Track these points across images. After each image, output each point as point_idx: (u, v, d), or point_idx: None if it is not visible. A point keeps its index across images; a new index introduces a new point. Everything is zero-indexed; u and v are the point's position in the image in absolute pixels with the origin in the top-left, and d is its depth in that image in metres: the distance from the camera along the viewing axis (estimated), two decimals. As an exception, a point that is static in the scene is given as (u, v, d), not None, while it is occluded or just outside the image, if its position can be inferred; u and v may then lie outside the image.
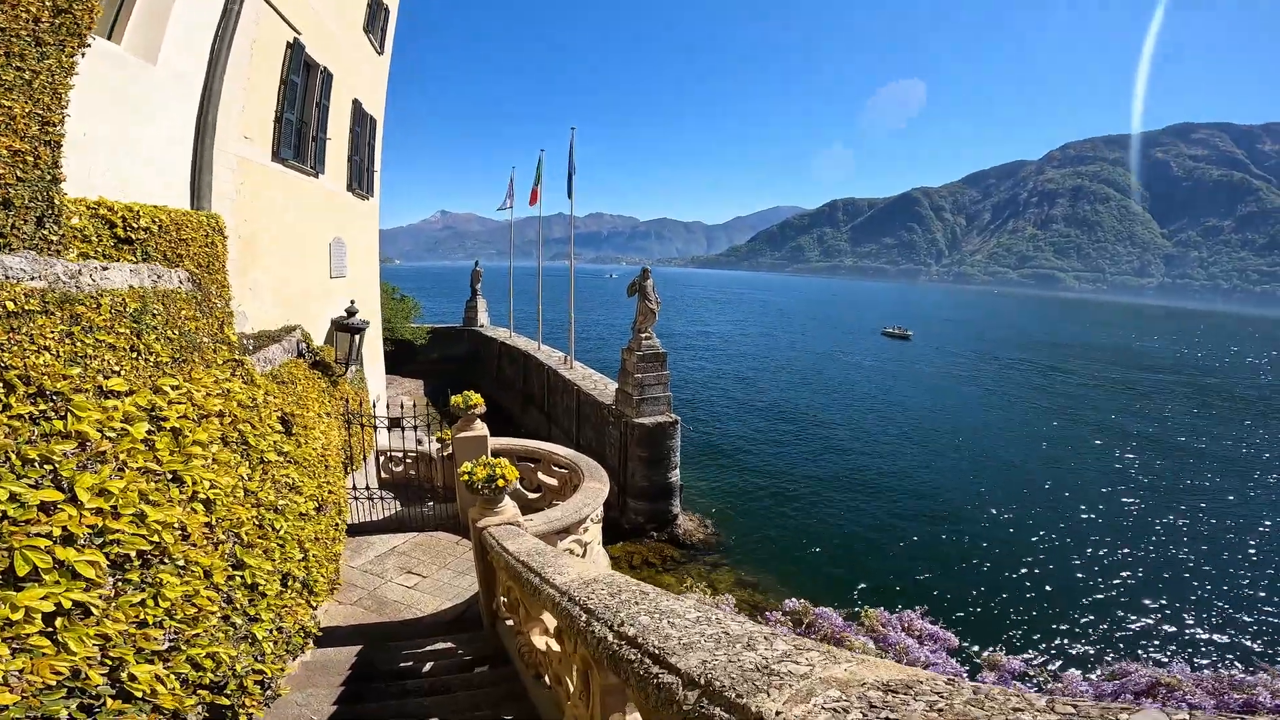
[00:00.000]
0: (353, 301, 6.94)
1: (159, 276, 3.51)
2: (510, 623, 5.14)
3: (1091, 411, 34.00)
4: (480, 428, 7.22)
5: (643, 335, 16.81)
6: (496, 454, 7.74)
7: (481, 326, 31.21)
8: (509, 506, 5.00)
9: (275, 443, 3.71)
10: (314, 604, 4.02)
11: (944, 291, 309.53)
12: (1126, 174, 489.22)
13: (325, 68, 11.15)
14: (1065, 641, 12.82)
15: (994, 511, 19.11)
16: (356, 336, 6.77)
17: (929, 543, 17.12)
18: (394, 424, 7.50)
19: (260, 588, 2.89)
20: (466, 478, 4.73)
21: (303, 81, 10.43)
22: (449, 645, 5.15)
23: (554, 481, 7.90)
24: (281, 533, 3.39)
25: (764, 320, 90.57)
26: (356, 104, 13.07)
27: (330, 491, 4.65)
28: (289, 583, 3.46)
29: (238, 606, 2.69)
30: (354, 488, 7.43)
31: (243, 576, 2.76)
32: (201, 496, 2.52)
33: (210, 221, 6.87)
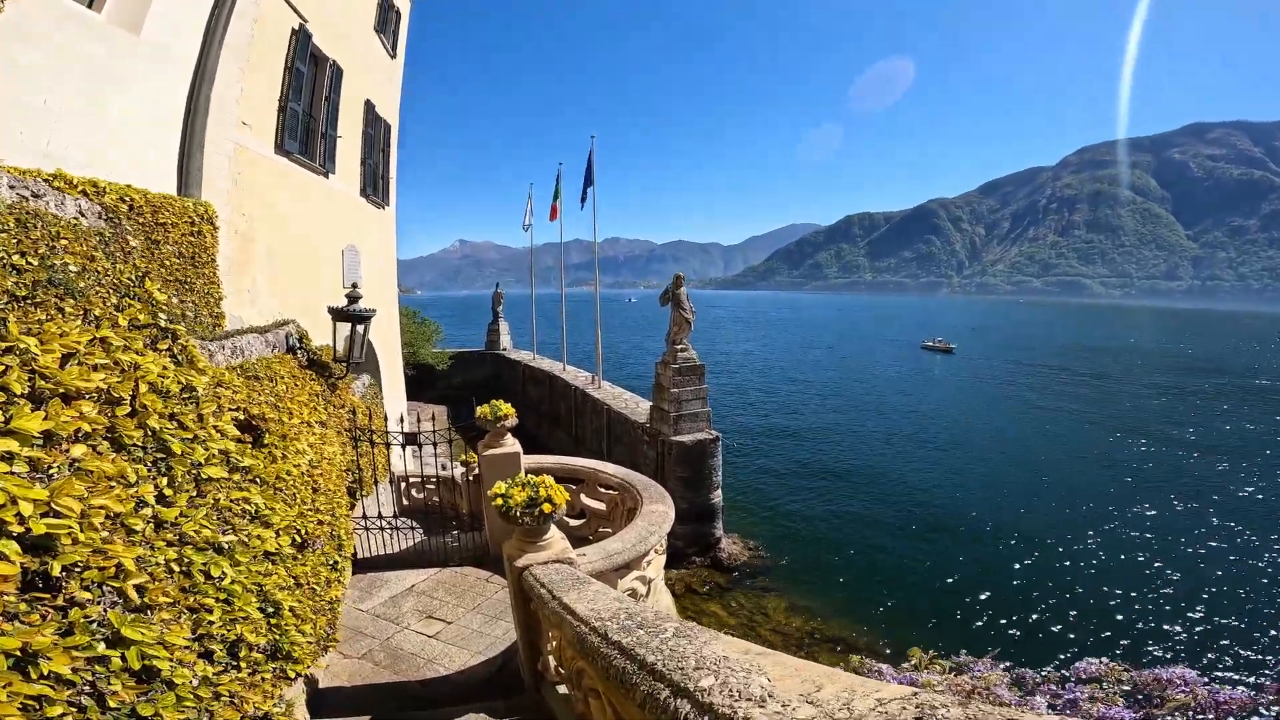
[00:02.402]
0: (355, 285, 5.82)
1: (32, 195, 2.41)
2: (563, 690, 3.89)
3: (1170, 419, 31.75)
4: (512, 443, 6.02)
5: (678, 347, 15.63)
6: (532, 474, 6.52)
7: (504, 350, 30.33)
8: (556, 538, 3.76)
9: (225, 453, 2.53)
10: (295, 673, 2.80)
11: (968, 303, 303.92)
12: (1145, 177, 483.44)
13: (334, 61, 10.41)
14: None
15: (1071, 533, 17.29)
16: (360, 327, 5.64)
17: (993, 562, 15.55)
18: (409, 440, 6.35)
19: (166, 674, 1.67)
20: (501, 502, 3.52)
21: (310, 72, 9.68)
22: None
23: (601, 505, 6.61)
24: (226, 582, 2.19)
25: (792, 338, 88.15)
26: (369, 105, 12.34)
27: (321, 521, 3.48)
28: (240, 653, 2.25)
29: (118, 707, 1.49)
30: (364, 516, 6.26)
31: (124, 658, 1.55)
32: (14, 530, 1.33)
33: (198, 209, 5.99)
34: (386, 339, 14.02)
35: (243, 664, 2.21)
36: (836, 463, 24.12)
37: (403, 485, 8.36)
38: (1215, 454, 24.87)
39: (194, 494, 2.22)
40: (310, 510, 3.35)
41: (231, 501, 2.48)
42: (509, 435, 6.11)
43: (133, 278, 2.41)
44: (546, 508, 3.53)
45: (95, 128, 5.50)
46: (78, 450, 1.65)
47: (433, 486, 8.04)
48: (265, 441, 3.13)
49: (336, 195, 10.98)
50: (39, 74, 4.74)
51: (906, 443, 27.18)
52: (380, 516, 6.40)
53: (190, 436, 2.27)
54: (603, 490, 6.71)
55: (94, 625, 1.54)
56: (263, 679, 2.31)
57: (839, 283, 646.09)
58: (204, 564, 2.08)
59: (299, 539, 3.10)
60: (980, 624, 12.86)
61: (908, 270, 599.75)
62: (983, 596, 13.85)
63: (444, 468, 8.15)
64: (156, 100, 6.42)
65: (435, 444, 6.19)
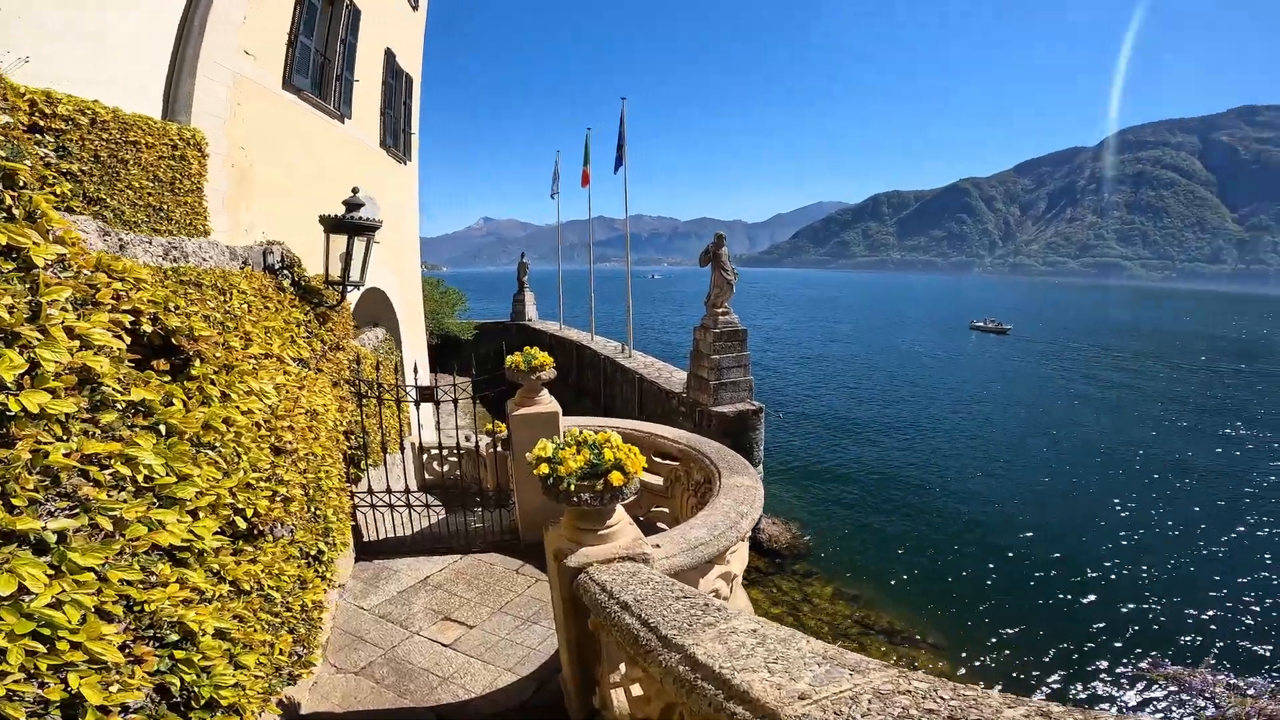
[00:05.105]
0: (355, 190, 4.67)
1: None
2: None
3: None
4: (549, 400, 4.89)
5: (719, 310, 14.42)
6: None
7: (530, 320, 29.41)
8: (624, 524, 2.58)
9: (86, 372, 1.43)
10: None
11: (1002, 283, 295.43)
12: (1191, 159, 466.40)
13: (351, 2, 9.53)
14: None
15: (1138, 527, 15.89)
16: (360, 241, 4.49)
17: (1047, 552, 14.44)
18: (425, 395, 5.24)
19: None
20: (547, 470, 2.34)
21: (324, 8, 8.95)
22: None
23: (658, 480, 5.43)
24: (34, 604, 1.08)
25: (828, 318, 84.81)
26: (390, 54, 11.71)
27: (288, 497, 2.40)
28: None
29: None
30: (370, 490, 5.20)
31: None
32: None
33: (182, 133, 5.17)
34: (407, 300, 13.15)
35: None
36: (882, 447, 22.68)
37: (424, 457, 7.35)
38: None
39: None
40: (266, 480, 2.25)
41: (87, 459, 1.39)
42: (545, 391, 4.97)
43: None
44: (615, 478, 2.35)
45: (61, 39, 4.79)
46: None
47: (455, 459, 7.01)
48: (195, 372, 2.04)
49: (353, 141, 10.41)
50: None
51: (961, 429, 25.48)
52: (390, 491, 5.32)
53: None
54: (659, 460, 5.51)
55: None
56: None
57: (866, 261, 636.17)
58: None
59: (244, 522, 2.02)
60: (1041, 621, 11.90)
61: (938, 249, 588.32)
62: (1037, 594, 12.84)
63: (467, 439, 7.13)
64: (140, 17, 5.67)
65: (455, 401, 5.08)
